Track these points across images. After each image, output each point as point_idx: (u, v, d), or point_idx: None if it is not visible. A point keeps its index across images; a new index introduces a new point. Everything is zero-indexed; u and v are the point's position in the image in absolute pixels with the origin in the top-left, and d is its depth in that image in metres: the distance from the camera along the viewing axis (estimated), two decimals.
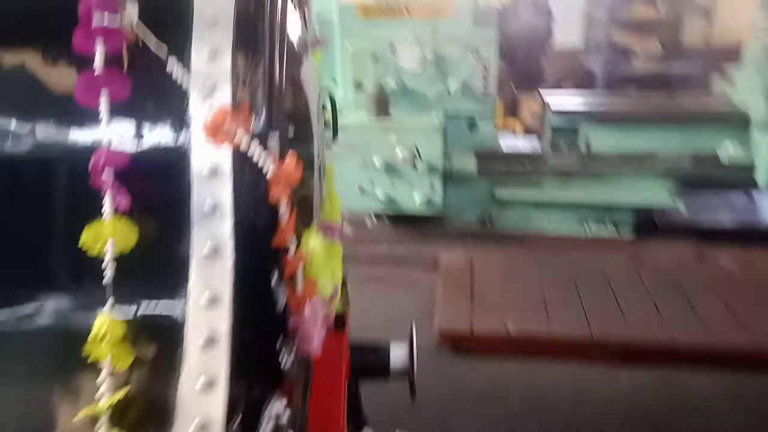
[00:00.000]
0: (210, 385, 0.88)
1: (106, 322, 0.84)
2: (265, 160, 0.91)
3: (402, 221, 5.18)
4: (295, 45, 1.18)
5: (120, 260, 0.85)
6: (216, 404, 0.87)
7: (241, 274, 0.93)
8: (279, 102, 0.98)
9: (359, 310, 4.03)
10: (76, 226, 0.85)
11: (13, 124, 0.90)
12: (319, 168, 1.34)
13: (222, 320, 0.90)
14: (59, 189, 0.89)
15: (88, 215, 0.85)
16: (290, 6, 1.19)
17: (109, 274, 0.84)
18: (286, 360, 1.14)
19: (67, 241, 0.85)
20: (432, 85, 4.92)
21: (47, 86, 0.89)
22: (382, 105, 4.78)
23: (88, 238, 0.83)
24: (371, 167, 4.77)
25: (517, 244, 5.05)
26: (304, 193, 1.16)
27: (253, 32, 0.96)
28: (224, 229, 0.91)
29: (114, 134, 0.86)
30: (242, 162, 0.91)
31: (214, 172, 0.91)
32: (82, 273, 0.86)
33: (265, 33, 0.98)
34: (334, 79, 5.02)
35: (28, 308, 0.90)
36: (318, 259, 1.16)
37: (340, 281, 1.45)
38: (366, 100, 4.81)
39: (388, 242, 5.11)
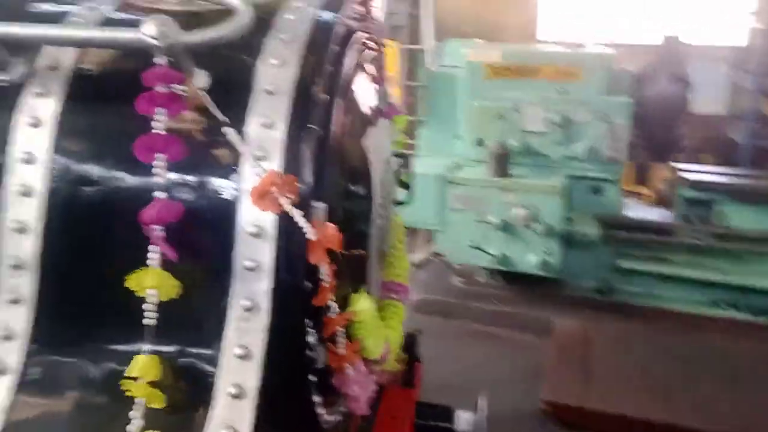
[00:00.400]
0: None
1: (143, 362, 0.91)
2: (308, 227, 0.95)
3: (515, 280, 5.06)
4: (362, 113, 1.23)
5: (162, 306, 0.92)
6: None
7: (276, 332, 0.97)
8: (328, 171, 1.03)
9: (463, 367, 4.01)
10: (130, 268, 0.93)
11: (93, 170, 1.01)
12: (381, 228, 1.37)
13: (251, 375, 0.95)
14: (121, 233, 0.98)
15: (140, 260, 0.93)
16: (361, 77, 1.25)
17: (149, 319, 0.91)
18: (328, 417, 1.16)
19: (120, 284, 0.93)
20: (556, 148, 4.83)
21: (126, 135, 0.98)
22: (502, 164, 4.75)
23: (132, 283, 0.91)
24: (487, 224, 4.73)
25: (638, 317, 4.75)
26: (357, 254, 1.20)
27: (309, 105, 1.02)
28: (263, 287, 0.97)
29: (169, 187, 0.94)
30: (285, 226, 0.96)
31: (258, 233, 0.97)
32: (130, 315, 0.93)
33: (322, 106, 1.04)
34: (456, 135, 5.08)
35: (89, 346, 1.00)
36: (366, 320, 1.18)
37: (398, 341, 1.46)
38: (487, 157, 4.80)
39: (498, 300, 5.01)
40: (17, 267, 0.99)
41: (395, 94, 4.76)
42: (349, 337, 1.13)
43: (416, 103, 5.37)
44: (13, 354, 0.98)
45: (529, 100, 4.79)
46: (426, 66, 5.30)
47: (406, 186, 1.73)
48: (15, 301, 0.99)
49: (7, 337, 0.99)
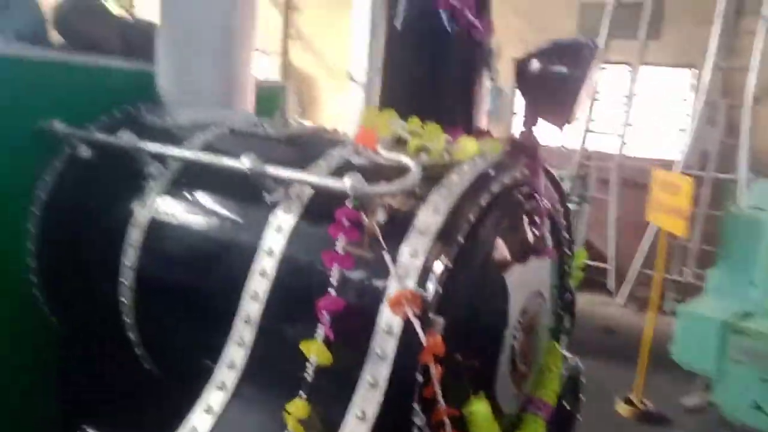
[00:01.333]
0: None
1: (298, 404, 1.32)
2: (422, 333, 1.28)
3: None
4: (506, 253, 1.51)
5: (317, 368, 1.32)
6: None
7: (387, 407, 1.30)
8: (452, 294, 1.34)
9: None
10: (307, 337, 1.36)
11: (303, 264, 1.50)
12: (517, 348, 1.59)
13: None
14: (308, 311, 1.39)
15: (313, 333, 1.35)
16: (513, 224, 1.53)
17: (308, 375, 1.32)
18: None
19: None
20: None
21: None
22: None
23: (303, 348, 1.33)
24: None
25: None
26: (476, 364, 1.46)
27: (446, 244, 1.36)
28: (384, 371, 1.31)
29: (338, 286, 1.36)
30: (408, 330, 1.30)
31: (389, 330, 1.32)
32: (297, 369, 1.35)
33: (456, 246, 1.36)
34: (751, 281, 4.64)
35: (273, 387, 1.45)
36: (479, 421, 1.43)
37: None
38: None
39: None
40: (246, 321, 1.51)
41: (679, 227, 4.61)
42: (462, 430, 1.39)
43: (715, 236, 5.05)
44: (231, 379, 1.49)
45: None
46: (731, 201, 4.99)
47: (570, 315, 1.91)
48: (240, 344, 1.50)
49: (231, 367, 1.50)
